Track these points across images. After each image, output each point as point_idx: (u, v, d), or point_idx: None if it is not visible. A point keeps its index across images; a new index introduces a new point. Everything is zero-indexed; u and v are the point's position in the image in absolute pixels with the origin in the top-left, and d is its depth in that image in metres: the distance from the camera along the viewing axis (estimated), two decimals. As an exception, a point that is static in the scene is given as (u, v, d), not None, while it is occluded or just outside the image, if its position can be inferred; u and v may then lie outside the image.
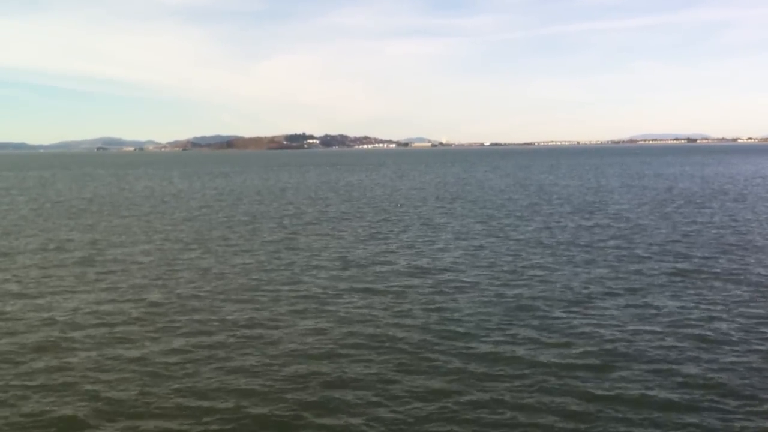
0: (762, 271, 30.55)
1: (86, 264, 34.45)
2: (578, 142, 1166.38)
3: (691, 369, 18.33)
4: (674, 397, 16.58)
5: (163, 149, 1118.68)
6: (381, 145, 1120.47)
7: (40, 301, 26.62)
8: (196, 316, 24.25)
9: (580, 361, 19.06)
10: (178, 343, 21.24)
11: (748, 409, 15.89)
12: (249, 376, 18.36)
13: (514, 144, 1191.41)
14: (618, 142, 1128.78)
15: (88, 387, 17.62)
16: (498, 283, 28.98)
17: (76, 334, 22.10)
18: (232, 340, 21.47)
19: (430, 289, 28.02)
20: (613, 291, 27.16)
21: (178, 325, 23.24)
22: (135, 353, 20.25)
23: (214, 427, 15.44)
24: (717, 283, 28.17)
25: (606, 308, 24.58)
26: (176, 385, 17.70)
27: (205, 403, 16.57)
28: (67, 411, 16.19)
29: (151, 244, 41.35)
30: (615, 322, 22.76)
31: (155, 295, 27.41)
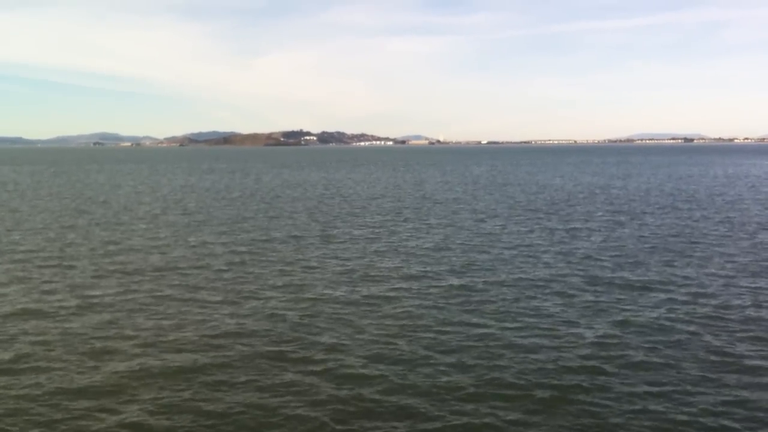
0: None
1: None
2: (575, 141, 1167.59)
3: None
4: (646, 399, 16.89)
5: (160, 145, 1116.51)
6: (378, 142, 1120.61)
7: None
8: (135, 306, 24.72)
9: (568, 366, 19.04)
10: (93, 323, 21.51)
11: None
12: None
13: (511, 142, 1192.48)
14: (615, 141, 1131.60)
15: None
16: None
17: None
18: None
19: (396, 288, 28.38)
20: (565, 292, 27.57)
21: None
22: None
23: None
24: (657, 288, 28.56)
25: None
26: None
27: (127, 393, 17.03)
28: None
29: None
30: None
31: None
